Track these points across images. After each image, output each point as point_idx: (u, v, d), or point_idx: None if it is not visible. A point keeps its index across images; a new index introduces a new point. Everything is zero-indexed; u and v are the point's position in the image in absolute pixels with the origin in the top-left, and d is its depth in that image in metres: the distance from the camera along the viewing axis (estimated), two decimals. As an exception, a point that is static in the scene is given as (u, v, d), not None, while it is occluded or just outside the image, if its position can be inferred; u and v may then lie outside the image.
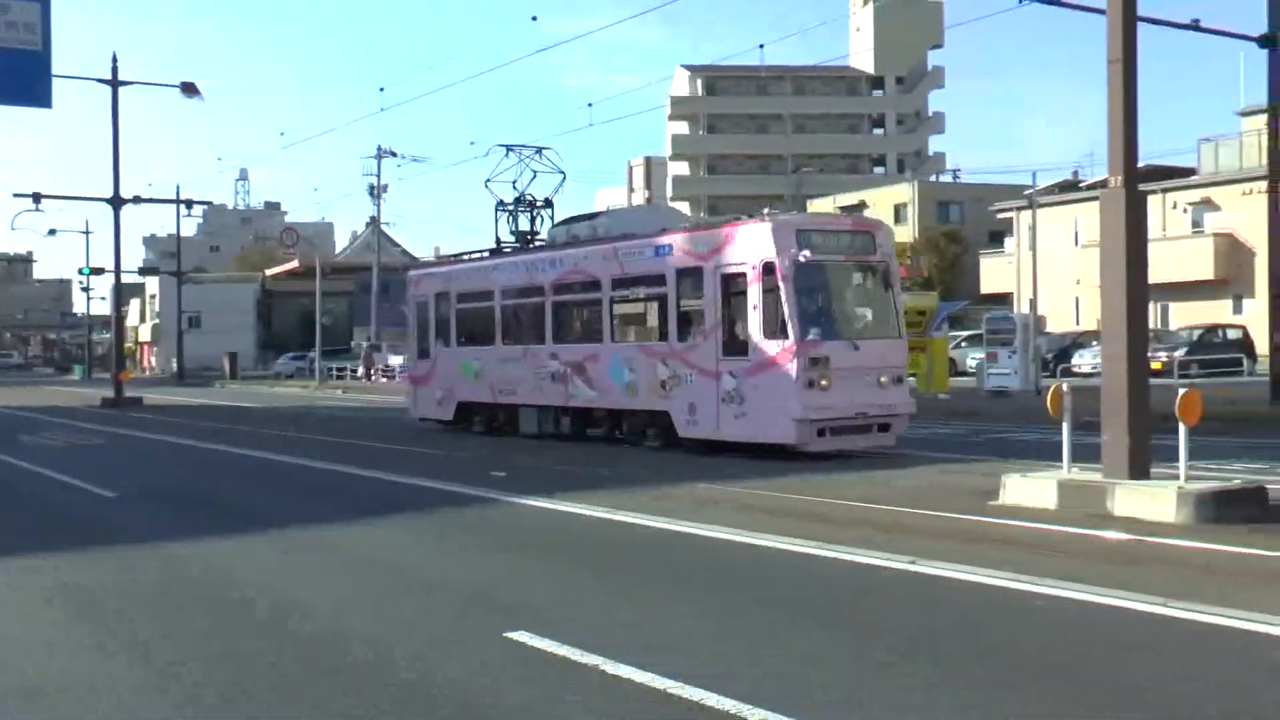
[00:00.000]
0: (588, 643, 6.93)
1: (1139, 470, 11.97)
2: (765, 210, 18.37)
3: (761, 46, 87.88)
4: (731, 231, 18.00)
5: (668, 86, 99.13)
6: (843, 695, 6.04)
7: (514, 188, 24.97)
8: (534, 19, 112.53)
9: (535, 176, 24.86)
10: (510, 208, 24.98)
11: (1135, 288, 12.18)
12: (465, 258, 25.60)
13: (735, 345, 17.64)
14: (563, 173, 25.00)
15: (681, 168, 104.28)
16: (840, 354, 17.02)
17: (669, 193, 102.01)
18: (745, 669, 6.49)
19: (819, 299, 17.61)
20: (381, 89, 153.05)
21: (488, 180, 25.10)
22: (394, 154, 59.30)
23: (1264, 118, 22.41)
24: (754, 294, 17.26)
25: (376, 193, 60.22)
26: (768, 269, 17.09)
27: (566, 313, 21.78)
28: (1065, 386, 13.06)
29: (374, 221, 65.22)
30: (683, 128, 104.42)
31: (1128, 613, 7.62)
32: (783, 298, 16.87)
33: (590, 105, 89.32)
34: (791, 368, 16.70)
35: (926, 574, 8.96)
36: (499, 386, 22.83)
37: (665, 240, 19.16)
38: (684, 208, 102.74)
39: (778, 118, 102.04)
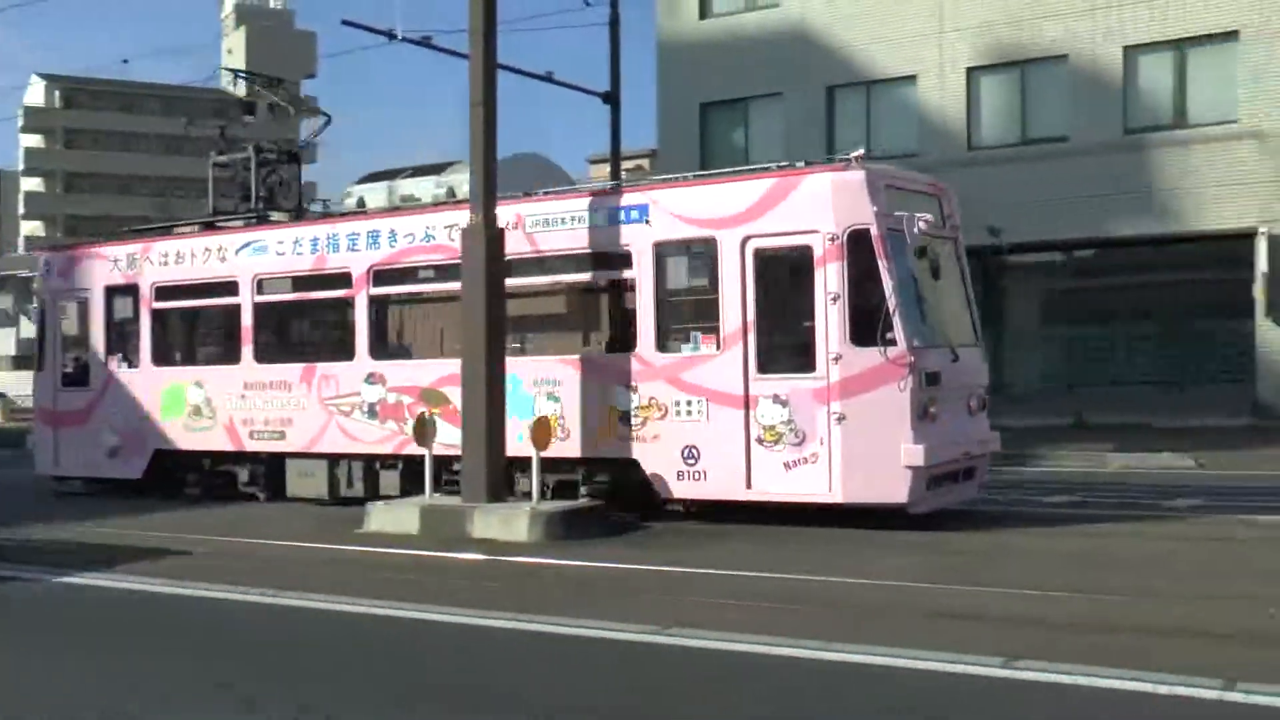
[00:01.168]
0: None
1: (495, 494, 12.59)
2: (854, 155, 12.28)
3: (126, 61, 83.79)
4: (785, 184, 12.24)
5: (23, 95, 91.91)
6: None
7: (222, 136, 18.31)
8: None
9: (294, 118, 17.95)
10: (231, 161, 18.01)
11: (494, 321, 12.81)
12: (170, 231, 17.42)
13: (789, 356, 12.16)
14: (326, 115, 18.19)
15: (35, 184, 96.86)
16: (945, 369, 12.13)
17: (20, 210, 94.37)
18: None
19: (913, 288, 12.29)
20: None
21: (188, 122, 19.16)
22: None
23: (608, 165, 24.41)
24: (830, 278, 11.80)
25: None
26: (857, 240, 11.79)
27: (402, 312, 15.24)
28: (429, 414, 13.48)
29: None
30: (38, 141, 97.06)
31: (478, 628, 7.98)
32: (885, 284, 11.69)
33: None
34: (902, 388, 11.54)
35: (289, 605, 8.92)
36: (251, 427, 15.55)
37: (633, 199, 13.11)
38: (37, 228, 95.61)
39: (144, 136, 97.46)
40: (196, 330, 17.39)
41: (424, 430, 13.16)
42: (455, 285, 13.59)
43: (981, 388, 12.92)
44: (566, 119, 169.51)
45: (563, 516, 12.07)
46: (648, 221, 12.89)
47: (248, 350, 15.65)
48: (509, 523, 11.96)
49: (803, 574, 9.63)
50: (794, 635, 7.30)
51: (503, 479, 12.77)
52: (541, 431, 12.39)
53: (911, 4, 26.98)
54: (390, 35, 20.94)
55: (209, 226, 16.89)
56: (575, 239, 13.36)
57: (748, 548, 11.13)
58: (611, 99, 24.04)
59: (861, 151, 12.33)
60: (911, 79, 27.13)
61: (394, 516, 12.77)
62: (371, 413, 14.47)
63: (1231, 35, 24.07)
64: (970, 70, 26.57)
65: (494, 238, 12.91)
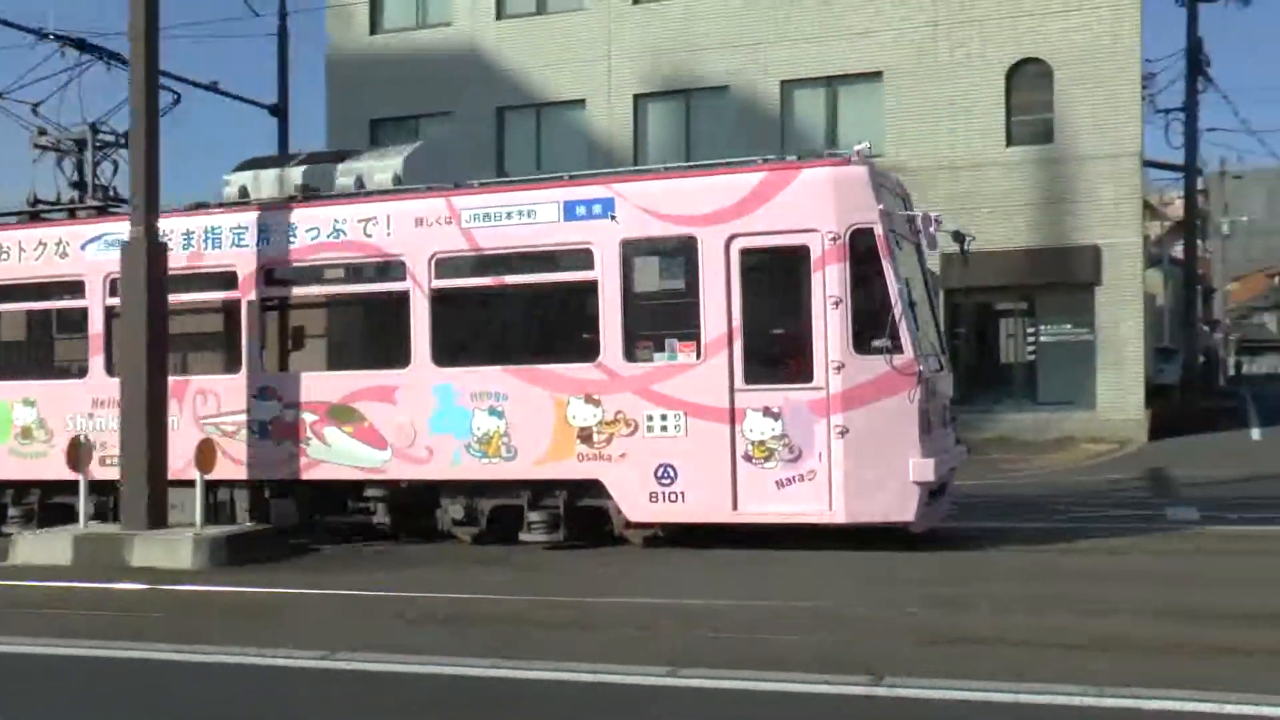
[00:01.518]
0: None
1: (157, 520, 12.08)
2: (856, 148, 11.36)
3: None
4: (777, 178, 11.27)
5: None
6: None
7: (35, 112, 15.20)
8: None
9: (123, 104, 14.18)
10: (57, 144, 15.05)
11: (155, 340, 12.29)
12: None
13: (782, 365, 11.29)
14: (175, 93, 15.44)
15: None
16: (936, 378, 11.67)
17: None
18: None
19: (908, 293, 11.46)
20: None
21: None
22: None
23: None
24: (831, 280, 10.98)
25: None
26: (860, 240, 11.04)
27: (302, 318, 13.46)
28: (85, 439, 12.81)
29: None
30: None
31: (127, 660, 7.66)
32: (891, 287, 10.95)
33: None
34: (911, 399, 10.88)
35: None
36: (102, 451, 12.93)
37: (594, 192, 11.86)
38: None
39: None
40: (26, 338, 14.79)
41: (77, 453, 12.52)
42: (371, 287, 12.87)
43: (949, 398, 12.48)
44: (235, 131, 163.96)
45: (229, 541, 11.72)
46: (613, 217, 11.68)
47: (98, 362, 13.35)
48: (172, 550, 11.52)
49: (479, 593, 9.71)
50: (469, 655, 7.36)
51: (165, 503, 12.25)
52: (206, 455, 11.99)
53: (580, 30, 27.57)
54: (39, 34, 19.70)
55: (35, 218, 14.39)
56: (523, 236, 12.00)
57: (433, 569, 11.11)
58: (279, 111, 23.54)
59: (867, 145, 11.53)
60: (580, 103, 27.68)
61: (43, 547, 12.08)
62: (263, 433, 12.64)
63: (877, 76, 25.72)
64: (637, 97, 27.31)
65: (156, 251, 12.42)
